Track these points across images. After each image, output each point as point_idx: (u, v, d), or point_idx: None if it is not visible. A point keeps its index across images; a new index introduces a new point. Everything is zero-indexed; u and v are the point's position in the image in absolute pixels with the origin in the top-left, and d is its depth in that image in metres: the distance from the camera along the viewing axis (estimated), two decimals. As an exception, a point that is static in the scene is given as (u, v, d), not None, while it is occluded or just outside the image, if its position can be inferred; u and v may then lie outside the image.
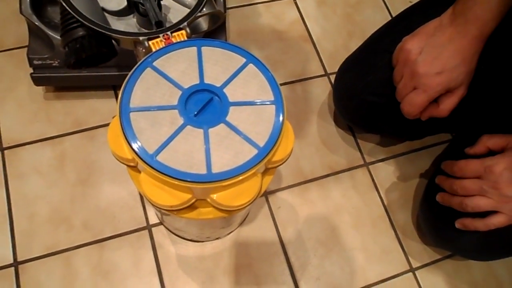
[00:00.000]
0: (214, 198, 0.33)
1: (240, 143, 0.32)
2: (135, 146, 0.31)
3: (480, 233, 0.47)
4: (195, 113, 0.32)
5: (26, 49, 0.55)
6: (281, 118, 0.33)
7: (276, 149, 0.34)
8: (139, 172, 0.35)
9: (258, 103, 0.34)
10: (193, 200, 0.34)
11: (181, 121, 0.32)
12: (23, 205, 0.54)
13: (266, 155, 0.32)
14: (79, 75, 0.55)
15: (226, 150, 0.32)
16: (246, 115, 0.33)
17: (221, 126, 0.32)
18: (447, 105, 0.46)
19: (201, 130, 0.32)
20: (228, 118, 0.33)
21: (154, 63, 0.33)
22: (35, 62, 0.54)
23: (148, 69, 0.33)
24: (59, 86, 0.60)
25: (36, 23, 0.53)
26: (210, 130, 0.32)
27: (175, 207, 0.33)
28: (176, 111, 0.32)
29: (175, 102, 0.32)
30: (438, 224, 0.52)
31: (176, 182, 0.31)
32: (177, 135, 0.32)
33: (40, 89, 0.60)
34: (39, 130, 0.58)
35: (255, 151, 0.32)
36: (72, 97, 0.60)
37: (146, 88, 0.33)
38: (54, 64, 0.54)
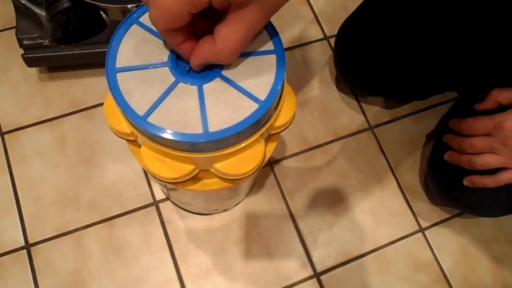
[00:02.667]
0: (218, 167, 0.32)
1: (239, 98, 0.29)
2: (124, 107, 0.29)
3: (489, 190, 0.46)
4: (187, 69, 0.30)
5: (15, 30, 0.53)
6: (282, 69, 0.31)
7: (279, 112, 0.33)
8: (139, 146, 0.34)
9: (257, 54, 0.31)
10: (196, 171, 0.33)
11: (172, 78, 0.29)
12: (29, 188, 0.54)
13: (267, 109, 0.29)
14: (71, 53, 0.54)
15: (224, 106, 0.29)
16: (244, 67, 0.30)
17: (217, 81, 0.30)
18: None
19: (195, 87, 0.29)
20: (224, 72, 0.30)
21: (141, 19, 0.31)
22: (25, 42, 0.52)
23: (135, 26, 0.31)
24: (53, 66, 0.59)
25: (22, 1, 0.50)
26: (205, 86, 0.30)
27: (179, 179, 0.33)
28: (167, 68, 0.30)
29: (165, 59, 0.30)
30: (446, 183, 0.52)
31: (173, 152, 0.30)
32: (169, 93, 0.29)
33: (34, 70, 0.59)
34: (37, 112, 0.57)
35: (255, 106, 0.29)
36: (67, 77, 0.59)
37: (133, 45, 0.30)
38: (45, 43, 0.52)
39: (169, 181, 0.33)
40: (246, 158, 0.33)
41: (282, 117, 0.34)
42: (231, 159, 0.32)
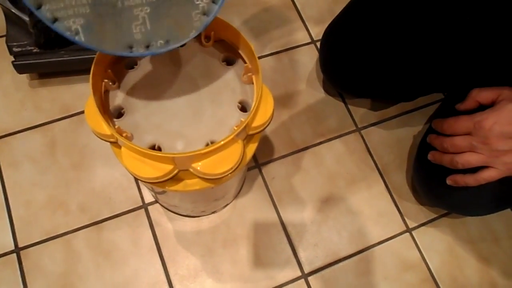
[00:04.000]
0: (196, 167, 0.33)
1: None
2: None
3: (471, 189, 0.47)
4: None
5: (5, 38, 0.54)
6: None
7: (256, 112, 0.34)
8: (120, 147, 0.35)
9: None
10: (175, 171, 0.34)
11: None
12: (19, 193, 0.55)
13: None
14: (60, 59, 0.55)
15: None
16: None
17: None
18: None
19: None
20: None
21: None
22: (15, 49, 0.53)
23: None
24: (43, 73, 0.60)
25: (12, 10, 0.52)
26: None
27: (159, 179, 0.34)
28: None
29: None
30: (431, 182, 0.52)
31: (152, 153, 0.31)
32: None
33: (24, 77, 0.60)
34: (28, 118, 0.58)
35: None
36: (58, 83, 0.60)
37: None
38: (34, 50, 0.53)
39: (149, 181, 0.34)
40: (224, 158, 0.34)
41: (259, 118, 0.35)
42: (209, 159, 0.33)
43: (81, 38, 0.24)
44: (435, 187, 0.52)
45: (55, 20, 0.23)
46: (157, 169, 0.33)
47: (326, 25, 0.59)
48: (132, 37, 0.24)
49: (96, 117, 0.33)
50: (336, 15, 0.58)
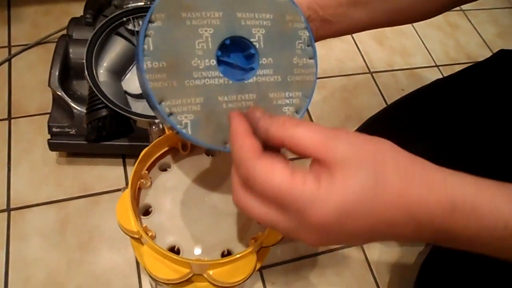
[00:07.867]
0: (211, 274, 0.35)
1: None
2: None
3: None
4: None
5: (46, 116, 0.59)
6: None
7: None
8: (142, 244, 0.37)
9: None
10: (190, 275, 0.35)
11: None
12: (21, 267, 0.55)
13: None
14: (92, 144, 0.59)
15: None
16: None
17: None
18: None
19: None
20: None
21: None
22: (54, 129, 0.58)
23: None
24: (72, 152, 0.64)
25: (59, 93, 0.58)
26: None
27: (173, 281, 0.35)
28: None
29: None
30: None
31: (173, 256, 0.33)
32: None
33: (53, 154, 0.64)
34: (47, 193, 0.61)
35: None
36: (83, 163, 0.64)
37: None
38: (71, 132, 0.58)
39: (163, 281, 0.35)
40: (238, 268, 0.35)
41: (274, 234, 0.37)
42: (224, 268, 0.35)
43: (188, 131, 0.28)
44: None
45: (170, 114, 0.27)
46: (174, 271, 0.34)
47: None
48: (228, 135, 0.28)
49: (126, 212, 0.36)
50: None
